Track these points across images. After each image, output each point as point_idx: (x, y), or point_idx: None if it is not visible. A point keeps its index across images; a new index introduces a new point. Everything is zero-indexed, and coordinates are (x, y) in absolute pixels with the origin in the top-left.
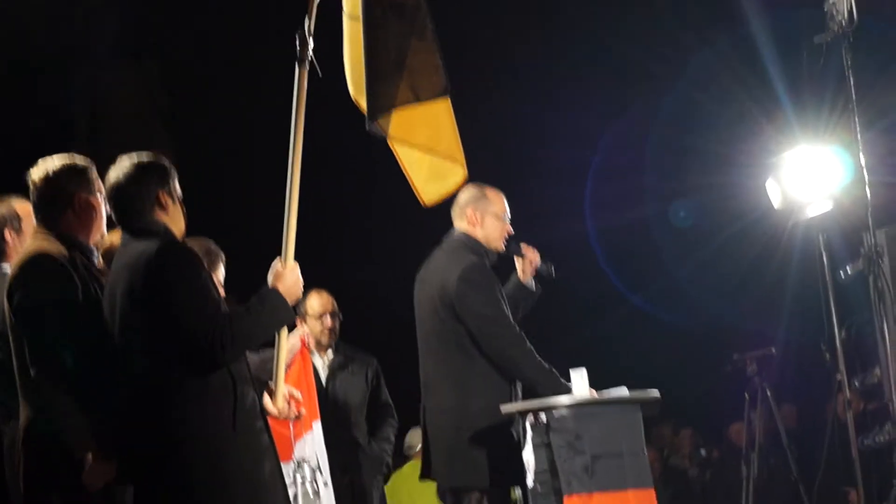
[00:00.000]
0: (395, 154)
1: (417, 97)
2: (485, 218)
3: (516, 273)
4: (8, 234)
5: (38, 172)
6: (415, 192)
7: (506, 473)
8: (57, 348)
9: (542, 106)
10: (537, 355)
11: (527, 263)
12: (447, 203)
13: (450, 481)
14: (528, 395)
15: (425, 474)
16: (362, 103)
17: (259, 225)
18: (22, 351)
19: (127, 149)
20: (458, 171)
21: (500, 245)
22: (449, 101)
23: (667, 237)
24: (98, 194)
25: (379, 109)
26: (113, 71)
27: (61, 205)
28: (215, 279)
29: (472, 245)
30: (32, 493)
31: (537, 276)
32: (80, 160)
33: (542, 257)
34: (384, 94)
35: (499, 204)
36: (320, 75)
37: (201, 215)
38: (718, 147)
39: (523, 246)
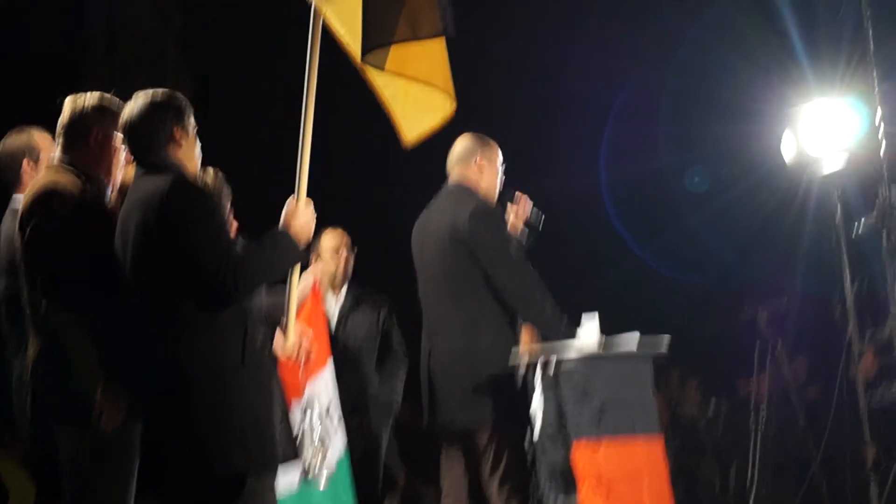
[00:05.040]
0: (373, 89)
1: (415, 34)
2: (490, 167)
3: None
4: (26, 165)
5: (68, 102)
6: (396, 129)
7: (516, 414)
8: (67, 281)
9: (557, 47)
10: (549, 296)
11: (519, 211)
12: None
13: (463, 424)
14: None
15: (431, 422)
16: (350, 42)
17: (275, 159)
18: (33, 282)
19: (143, 69)
20: (448, 105)
21: (495, 195)
22: (444, 40)
23: (681, 186)
24: (115, 138)
25: (374, 42)
26: None
27: (80, 137)
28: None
29: (472, 192)
30: (41, 427)
31: (527, 224)
32: (112, 101)
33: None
34: (380, 28)
35: (497, 154)
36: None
37: (215, 146)
38: (734, 97)
39: (517, 194)
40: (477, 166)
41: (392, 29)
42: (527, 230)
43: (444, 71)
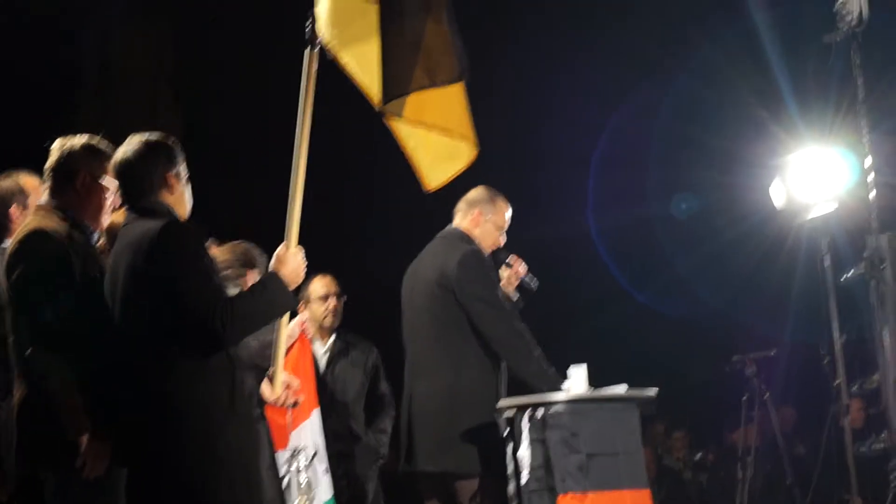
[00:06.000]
0: (397, 138)
1: (433, 81)
2: (486, 224)
3: (500, 282)
4: (13, 210)
5: (57, 145)
6: (418, 176)
7: (498, 461)
8: (53, 326)
9: (544, 94)
10: (536, 348)
11: (512, 274)
12: (450, 194)
13: (444, 468)
14: (512, 385)
15: (408, 463)
16: (370, 87)
17: (266, 202)
18: (19, 327)
19: (134, 109)
20: (469, 151)
21: (486, 250)
22: (462, 84)
23: (670, 234)
24: (103, 181)
25: (393, 92)
26: (124, 30)
27: (67, 180)
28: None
29: (468, 239)
30: (27, 470)
31: (520, 287)
32: (101, 144)
33: (527, 270)
34: (399, 76)
35: (503, 215)
36: (329, 58)
37: (204, 187)
38: (724, 144)
39: (511, 257)
40: (474, 218)
41: (410, 76)
42: (519, 294)
43: (464, 117)
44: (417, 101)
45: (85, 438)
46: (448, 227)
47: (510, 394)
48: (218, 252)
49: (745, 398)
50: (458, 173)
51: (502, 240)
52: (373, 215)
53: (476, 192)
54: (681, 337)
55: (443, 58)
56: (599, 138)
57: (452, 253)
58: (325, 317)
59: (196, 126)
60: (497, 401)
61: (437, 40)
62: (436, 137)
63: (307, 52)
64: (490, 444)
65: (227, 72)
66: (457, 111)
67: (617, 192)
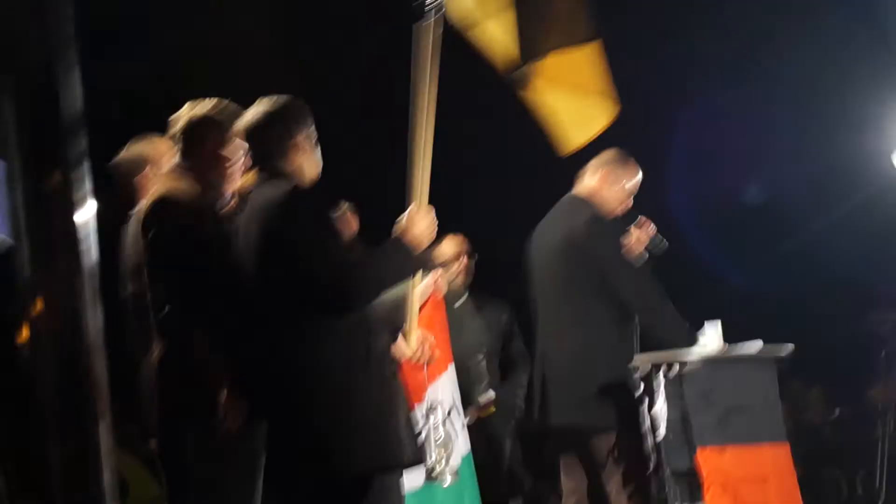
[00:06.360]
0: (530, 105)
1: (566, 43)
2: (615, 185)
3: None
4: (140, 179)
5: (186, 109)
6: (553, 141)
7: (634, 417)
8: (187, 287)
9: (665, 65)
10: (669, 304)
11: (641, 234)
12: (574, 156)
13: (582, 426)
14: (645, 341)
15: (542, 420)
16: (500, 56)
17: (392, 168)
18: (156, 288)
19: (249, 75)
20: (609, 109)
21: (610, 212)
22: (597, 43)
23: (801, 195)
24: (231, 146)
25: (525, 57)
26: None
27: (196, 143)
28: None
29: (592, 203)
30: (167, 427)
31: (649, 248)
32: (229, 107)
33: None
34: (530, 41)
35: (631, 176)
36: (444, 27)
37: (325, 154)
38: (850, 108)
39: (640, 218)
40: (601, 178)
41: (542, 41)
42: (647, 255)
43: (601, 75)
44: (549, 66)
45: (223, 394)
46: (572, 192)
47: (643, 350)
48: None
49: (882, 355)
50: (598, 134)
51: (629, 204)
52: (504, 174)
53: (608, 154)
54: (817, 293)
55: (574, 19)
56: (720, 106)
57: (579, 215)
58: (456, 276)
59: (314, 92)
60: (631, 357)
61: (565, 2)
62: (570, 101)
63: (420, 24)
64: (625, 399)
65: (346, 32)
66: (593, 71)
67: (741, 155)
